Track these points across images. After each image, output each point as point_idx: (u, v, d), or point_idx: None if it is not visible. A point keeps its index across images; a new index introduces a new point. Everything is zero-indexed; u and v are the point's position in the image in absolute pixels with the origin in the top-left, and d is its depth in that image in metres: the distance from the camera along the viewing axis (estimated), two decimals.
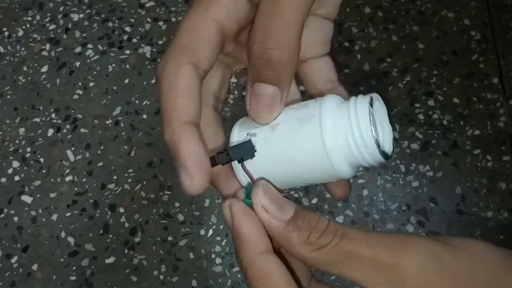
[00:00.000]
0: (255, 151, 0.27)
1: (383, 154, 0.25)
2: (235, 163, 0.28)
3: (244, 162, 0.28)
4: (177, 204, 0.81)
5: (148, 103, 0.88)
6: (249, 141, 0.28)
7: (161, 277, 0.77)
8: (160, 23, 0.94)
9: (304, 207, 0.26)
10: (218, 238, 0.79)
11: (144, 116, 0.87)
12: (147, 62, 0.91)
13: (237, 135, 0.29)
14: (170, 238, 0.79)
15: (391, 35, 0.91)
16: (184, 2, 0.96)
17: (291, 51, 0.25)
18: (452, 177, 0.81)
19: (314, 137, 0.26)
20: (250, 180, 0.28)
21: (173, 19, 0.94)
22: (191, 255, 0.78)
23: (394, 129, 0.28)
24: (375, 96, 0.27)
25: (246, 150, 0.27)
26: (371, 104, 0.25)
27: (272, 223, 0.24)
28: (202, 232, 0.79)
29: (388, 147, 0.27)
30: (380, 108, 0.27)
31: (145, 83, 0.89)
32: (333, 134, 0.26)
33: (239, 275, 0.77)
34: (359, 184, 0.81)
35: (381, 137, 0.26)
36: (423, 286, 0.23)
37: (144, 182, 0.83)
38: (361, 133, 0.25)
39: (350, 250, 0.24)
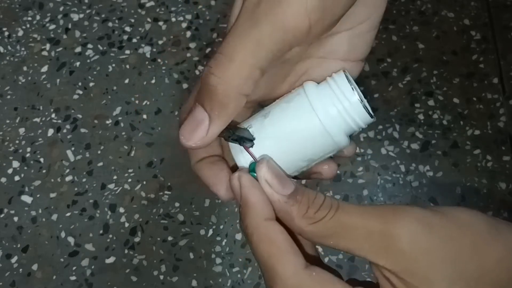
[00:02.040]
0: (253, 138, 0.29)
1: (367, 110, 0.28)
2: (235, 149, 0.30)
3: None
4: (177, 204, 0.81)
5: (148, 103, 0.88)
6: (247, 130, 0.29)
7: (161, 277, 0.77)
8: (160, 23, 0.94)
9: None
10: (218, 238, 0.79)
11: (144, 116, 0.87)
12: (147, 62, 0.91)
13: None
14: (170, 238, 0.79)
15: (391, 35, 0.91)
16: (184, 2, 0.96)
17: (231, 86, 0.26)
18: (452, 177, 0.81)
19: (306, 111, 0.28)
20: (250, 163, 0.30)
21: (173, 19, 0.94)
22: (191, 255, 0.78)
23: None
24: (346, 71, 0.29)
25: (247, 137, 0.29)
26: (345, 75, 0.28)
27: (275, 197, 0.26)
28: (202, 232, 0.79)
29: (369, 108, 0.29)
30: (352, 82, 0.29)
31: (145, 83, 0.90)
32: (322, 105, 0.28)
33: (239, 275, 0.77)
34: (359, 184, 0.81)
35: (363, 98, 0.29)
36: (413, 249, 0.24)
37: (144, 182, 0.83)
38: (346, 98, 0.28)
39: (344, 221, 0.25)
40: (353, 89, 0.28)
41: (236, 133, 0.29)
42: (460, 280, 0.24)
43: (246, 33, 0.25)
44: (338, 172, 0.81)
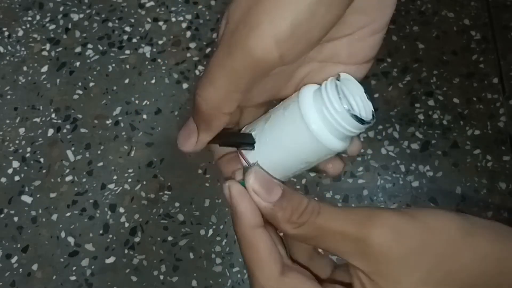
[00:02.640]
0: (254, 142, 0.31)
1: (356, 118, 0.28)
2: (240, 151, 0.32)
3: (248, 154, 0.31)
4: (177, 204, 0.81)
5: (148, 103, 0.88)
6: (250, 134, 0.32)
7: (161, 277, 0.77)
8: (160, 23, 0.94)
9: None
10: (218, 238, 0.79)
11: (144, 116, 0.87)
12: (147, 62, 0.91)
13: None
14: (170, 238, 0.79)
15: (391, 35, 0.91)
16: (184, 2, 0.96)
17: (212, 106, 0.28)
18: (452, 177, 0.81)
19: (298, 120, 0.29)
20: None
21: (173, 19, 0.94)
22: (191, 255, 0.78)
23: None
24: (344, 75, 0.30)
25: (247, 141, 0.31)
26: (337, 79, 0.29)
27: (261, 204, 0.29)
28: (202, 232, 0.79)
29: (366, 115, 0.30)
30: (352, 85, 0.30)
31: (145, 83, 0.90)
32: (310, 110, 0.29)
33: (239, 275, 0.77)
34: (359, 184, 0.81)
35: (355, 105, 0.29)
36: (385, 255, 0.26)
37: (144, 182, 0.83)
38: (333, 107, 0.29)
39: (323, 226, 0.28)
40: (340, 98, 0.28)
41: (236, 139, 0.32)
42: (428, 284, 0.26)
43: (222, 62, 0.27)
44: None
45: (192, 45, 0.92)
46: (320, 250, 0.33)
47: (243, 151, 0.32)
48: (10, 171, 0.84)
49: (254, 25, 0.26)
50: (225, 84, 0.27)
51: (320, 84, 0.30)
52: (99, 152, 0.85)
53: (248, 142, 0.31)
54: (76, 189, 0.82)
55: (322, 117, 0.29)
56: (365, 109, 0.30)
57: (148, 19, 0.94)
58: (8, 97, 0.89)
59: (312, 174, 0.81)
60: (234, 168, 0.33)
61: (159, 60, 0.91)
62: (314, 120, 0.29)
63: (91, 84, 0.90)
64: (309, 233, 0.28)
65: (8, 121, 0.88)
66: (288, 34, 0.26)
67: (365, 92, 0.30)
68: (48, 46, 0.93)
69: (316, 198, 0.29)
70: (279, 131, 0.30)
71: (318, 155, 0.30)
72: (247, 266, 0.29)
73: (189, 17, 0.95)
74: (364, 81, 0.30)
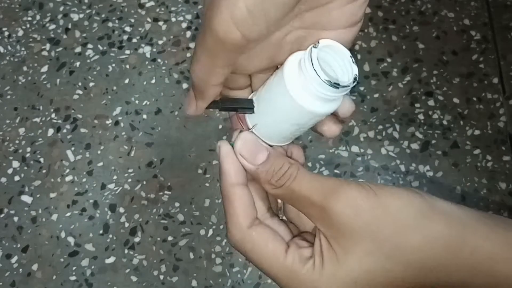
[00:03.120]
0: (253, 107, 0.34)
1: (329, 82, 0.30)
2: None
3: (247, 117, 0.35)
4: (177, 204, 0.81)
5: (148, 103, 0.88)
6: (249, 99, 0.35)
7: (161, 277, 0.77)
8: (160, 23, 0.94)
9: None
10: (218, 238, 0.79)
11: (144, 116, 0.87)
12: (147, 62, 0.91)
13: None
14: (170, 238, 0.79)
15: (391, 35, 0.91)
16: (184, 2, 0.96)
17: (201, 79, 0.31)
18: (452, 177, 0.81)
19: (281, 83, 0.32)
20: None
21: (173, 19, 0.94)
22: (191, 255, 0.78)
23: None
24: (326, 41, 0.32)
25: (246, 106, 0.34)
26: (314, 46, 0.31)
27: (247, 166, 0.33)
28: (202, 232, 0.79)
29: (345, 79, 0.31)
30: (334, 50, 0.32)
31: (145, 83, 0.90)
32: (291, 76, 0.31)
33: (239, 275, 0.77)
34: None
35: (336, 70, 0.32)
36: (342, 226, 0.30)
37: (144, 182, 0.83)
38: (305, 67, 0.30)
39: (295, 190, 0.32)
40: (313, 64, 0.30)
41: (236, 104, 0.35)
42: (373, 255, 0.29)
43: (200, 41, 0.30)
44: (338, 172, 0.81)
45: (192, 45, 0.92)
46: None
47: (244, 115, 0.35)
48: (10, 171, 0.84)
49: (215, 8, 0.28)
50: (206, 61, 0.30)
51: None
52: (99, 152, 0.85)
53: (247, 107, 0.34)
54: (76, 189, 0.82)
55: (301, 84, 0.31)
56: (349, 73, 0.32)
57: (148, 19, 0.94)
58: (8, 97, 0.89)
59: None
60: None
61: (159, 60, 0.91)
62: (293, 85, 0.31)
63: (91, 84, 0.90)
64: (285, 194, 0.32)
65: (8, 121, 0.88)
66: (244, 15, 0.28)
67: (350, 56, 0.32)
68: (48, 46, 0.93)
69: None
70: (270, 96, 0.33)
71: (305, 118, 0.33)
72: (225, 218, 0.33)
73: (189, 17, 0.95)
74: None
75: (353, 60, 0.32)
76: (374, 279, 0.30)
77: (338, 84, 0.30)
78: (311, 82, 0.30)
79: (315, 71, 0.30)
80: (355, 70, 0.31)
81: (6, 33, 0.94)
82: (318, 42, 0.31)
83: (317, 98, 0.31)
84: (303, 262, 0.31)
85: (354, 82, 0.31)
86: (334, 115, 0.34)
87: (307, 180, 0.32)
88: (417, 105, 0.86)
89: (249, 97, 0.36)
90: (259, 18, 0.28)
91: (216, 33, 0.28)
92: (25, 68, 0.91)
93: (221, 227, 0.79)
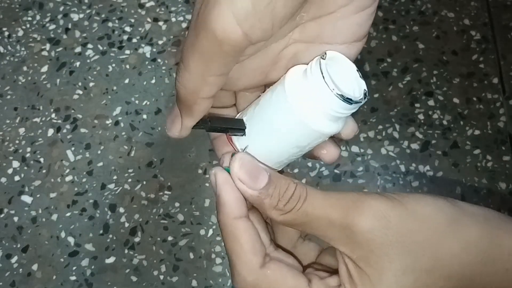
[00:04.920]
0: (244, 128, 0.30)
1: (342, 97, 0.27)
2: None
3: (239, 139, 0.31)
4: (177, 204, 0.81)
5: (148, 103, 0.88)
6: (240, 120, 0.31)
7: (161, 277, 0.77)
8: (160, 23, 0.94)
9: None
10: (218, 238, 0.79)
11: (144, 116, 0.87)
12: (147, 62, 0.91)
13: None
14: (170, 238, 0.79)
15: (391, 35, 0.91)
16: (184, 2, 0.96)
17: (190, 92, 0.27)
18: (452, 177, 0.81)
19: (282, 100, 0.28)
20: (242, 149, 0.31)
21: (173, 19, 0.94)
22: (191, 255, 0.78)
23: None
24: (333, 53, 0.28)
25: (237, 127, 0.31)
26: (322, 57, 0.27)
27: (247, 192, 0.28)
28: (202, 232, 0.79)
29: (355, 94, 0.28)
30: (343, 63, 0.29)
31: (145, 83, 0.90)
32: (296, 91, 0.28)
33: None
34: (359, 184, 0.81)
35: (346, 85, 0.28)
36: (369, 241, 0.26)
37: (144, 182, 0.83)
38: (315, 83, 0.27)
39: (309, 212, 0.27)
40: (324, 77, 0.27)
41: (225, 124, 0.31)
42: (412, 272, 0.26)
43: (192, 46, 0.26)
44: (338, 172, 0.80)
45: None
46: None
47: (233, 137, 0.31)
48: (10, 171, 0.84)
49: (213, 3, 0.24)
50: (198, 68, 0.26)
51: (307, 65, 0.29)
52: (99, 152, 0.85)
53: (238, 127, 0.30)
54: (76, 189, 0.82)
55: (307, 99, 0.28)
56: (355, 88, 0.28)
57: (148, 19, 0.94)
58: (8, 97, 0.89)
59: (312, 174, 0.81)
60: (228, 150, 0.32)
61: (159, 60, 0.91)
62: (299, 102, 0.28)
63: (91, 84, 0.90)
64: (296, 219, 0.28)
65: (8, 121, 0.88)
66: (248, 10, 0.24)
67: (357, 71, 0.29)
68: (48, 46, 0.93)
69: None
70: (267, 115, 0.29)
71: (308, 139, 0.29)
72: (229, 256, 0.29)
73: (189, 17, 0.94)
74: (365, 81, 0.29)
75: (360, 74, 0.29)
76: None
77: (351, 100, 0.27)
78: (321, 97, 0.27)
79: (327, 84, 0.27)
80: (363, 85, 0.29)
81: (6, 33, 0.94)
82: (325, 54, 0.28)
83: (325, 116, 0.28)
84: None
85: (365, 98, 0.28)
86: (333, 136, 0.31)
87: (320, 199, 0.28)
88: (417, 105, 0.86)
89: (236, 117, 0.32)
90: (265, 15, 0.24)
91: (213, 31, 0.25)
92: (25, 68, 0.91)
93: None
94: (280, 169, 0.32)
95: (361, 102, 0.28)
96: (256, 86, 0.32)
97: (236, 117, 0.32)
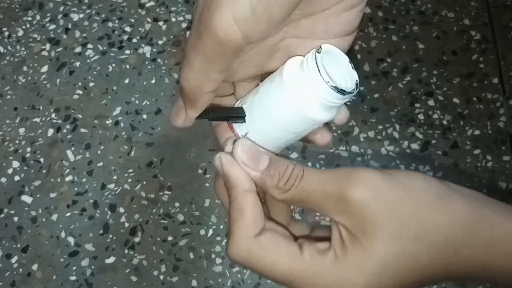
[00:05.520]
0: (244, 115, 0.33)
1: (336, 89, 0.29)
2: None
3: (239, 126, 0.33)
4: (177, 204, 0.81)
5: (148, 103, 0.88)
6: (240, 108, 0.33)
7: (161, 277, 0.77)
8: (160, 23, 0.94)
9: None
10: (218, 238, 0.79)
11: (144, 116, 0.87)
12: (147, 62, 0.91)
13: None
14: (170, 238, 0.79)
15: (391, 35, 0.91)
16: (184, 2, 0.96)
17: (193, 86, 0.30)
18: (452, 177, 0.81)
19: (281, 90, 0.31)
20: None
21: (173, 19, 0.94)
22: (191, 255, 0.78)
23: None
24: (327, 46, 0.30)
25: (237, 115, 0.33)
26: (318, 51, 0.30)
27: (251, 173, 0.31)
28: (202, 232, 0.79)
29: (348, 85, 0.30)
30: (336, 56, 0.31)
31: (145, 83, 0.90)
32: (293, 82, 0.30)
33: (239, 275, 0.77)
34: None
35: (339, 76, 0.30)
36: (363, 211, 0.28)
37: (144, 182, 0.83)
38: (311, 73, 0.29)
39: (306, 188, 0.30)
40: (319, 70, 0.29)
41: (226, 113, 0.33)
42: (399, 238, 0.28)
43: (195, 44, 0.28)
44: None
45: None
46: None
47: (234, 124, 0.33)
48: (10, 171, 0.84)
49: (215, 7, 0.27)
50: (200, 66, 0.29)
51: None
52: (99, 152, 0.85)
53: (238, 115, 0.33)
54: (76, 189, 0.82)
55: (304, 89, 0.30)
56: (348, 79, 0.30)
57: (148, 19, 0.94)
58: (8, 97, 0.89)
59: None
60: (230, 136, 0.35)
61: (159, 60, 0.91)
62: (296, 92, 0.30)
63: (91, 84, 0.90)
64: (295, 196, 0.30)
65: (8, 121, 0.88)
66: (248, 14, 0.26)
67: (349, 62, 0.31)
68: (48, 46, 0.93)
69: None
70: (266, 104, 0.32)
71: (304, 126, 0.32)
72: (230, 225, 0.31)
73: (189, 17, 0.95)
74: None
75: (352, 65, 0.31)
76: (401, 264, 0.28)
77: (345, 91, 0.29)
78: (317, 89, 0.29)
79: (322, 77, 0.29)
80: (355, 76, 0.31)
81: (6, 33, 0.94)
82: (321, 47, 0.30)
83: (320, 105, 0.30)
84: (323, 255, 0.29)
85: (356, 88, 0.30)
86: (327, 123, 0.33)
87: (316, 175, 0.30)
88: (417, 105, 0.86)
89: (236, 105, 0.34)
90: (263, 18, 0.27)
91: (215, 33, 0.27)
92: (25, 68, 0.91)
93: (221, 227, 0.79)
94: (278, 152, 0.34)
95: (353, 92, 0.30)
96: (253, 77, 0.34)
97: (235, 105, 0.34)
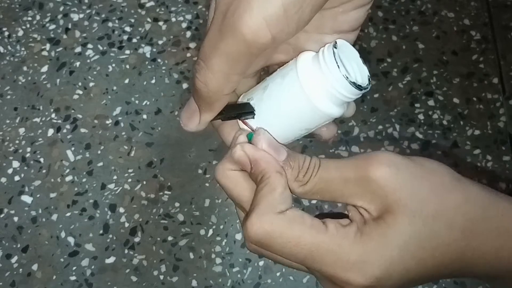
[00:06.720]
0: (253, 110, 0.32)
1: (354, 85, 0.29)
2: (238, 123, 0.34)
3: (248, 121, 0.33)
4: (177, 204, 0.81)
5: (148, 103, 0.88)
6: (248, 103, 0.33)
7: (161, 277, 0.77)
8: (160, 23, 0.94)
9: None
10: (218, 238, 0.79)
11: (144, 116, 0.87)
12: (147, 62, 0.91)
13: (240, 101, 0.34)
14: (170, 238, 0.79)
15: (391, 35, 0.91)
16: (184, 2, 0.96)
17: (212, 89, 0.29)
18: None
19: (297, 88, 0.30)
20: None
21: (173, 19, 0.94)
22: (191, 255, 0.78)
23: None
24: (340, 41, 0.30)
25: (246, 110, 0.32)
26: (335, 46, 0.30)
27: None
28: (202, 232, 0.79)
29: (362, 80, 0.30)
30: (348, 51, 0.31)
31: (145, 83, 0.90)
32: (309, 78, 0.30)
33: (239, 275, 0.77)
34: None
35: (352, 72, 0.30)
36: (385, 189, 0.28)
37: (144, 182, 0.83)
38: (329, 69, 0.29)
39: (324, 176, 0.30)
40: (338, 65, 0.29)
41: (235, 110, 0.33)
42: (420, 215, 0.28)
43: (216, 46, 0.28)
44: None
45: (192, 45, 0.92)
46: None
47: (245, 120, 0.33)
48: (10, 171, 0.84)
49: (244, 8, 0.26)
50: (222, 68, 0.28)
51: (316, 51, 0.31)
52: (99, 152, 0.85)
53: (248, 111, 0.32)
54: (76, 189, 0.82)
55: (321, 84, 0.30)
56: (361, 74, 0.31)
57: (148, 19, 0.94)
58: (8, 97, 0.89)
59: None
60: (235, 132, 0.34)
61: (159, 60, 0.91)
62: (313, 88, 0.30)
63: (91, 84, 0.90)
64: (314, 187, 0.30)
65: (8, 121, 0.88)
66: (280, 16, 0.26)
67: (359, 57, 0.31)
68: (48, 46, 0.93)
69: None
70: (278, 99, 0.31)
71: (317, 122, 0.32)
72: (256, 201, 0.30)
73: (189, 17, 0.95)
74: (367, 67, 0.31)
75: (362, 60, 0.31)
76: (422, 241, 0.28)
77: (361, 86, 0.30)
78: (334, 84, 0.29)
79: (341, 72, 0.29)
80: (365, 71, 0.31)
81: (6, 33, 0.94)
82: (336, 42, 0.30)
83: (335, 100, 0.30)
84: (348, 227, 0.29)
85: (369, 83, 0.31)
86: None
87: (333, 163, 0.30)
88: (417, 105, 0.86)
89: (239, 101, 0.34)
90: (293, 19, 0.27)
91: (243, 35, 0.26)
92: (25, 68, 0.91)
93: (221, 227, 0.79)
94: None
95: (368, 88, 0.30)
96: (257, 71, 0.34)
97: (240, 101, 0.34)
